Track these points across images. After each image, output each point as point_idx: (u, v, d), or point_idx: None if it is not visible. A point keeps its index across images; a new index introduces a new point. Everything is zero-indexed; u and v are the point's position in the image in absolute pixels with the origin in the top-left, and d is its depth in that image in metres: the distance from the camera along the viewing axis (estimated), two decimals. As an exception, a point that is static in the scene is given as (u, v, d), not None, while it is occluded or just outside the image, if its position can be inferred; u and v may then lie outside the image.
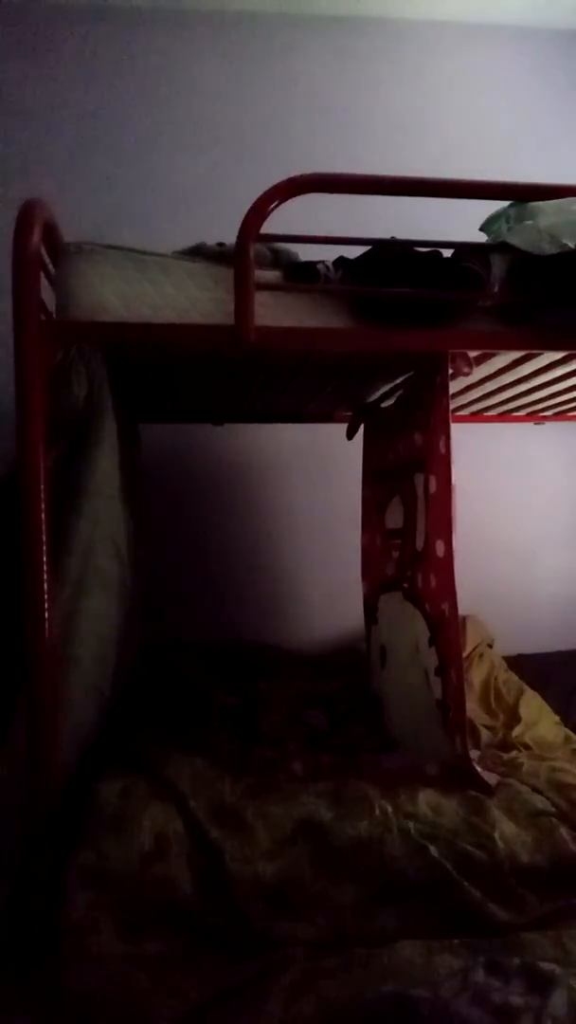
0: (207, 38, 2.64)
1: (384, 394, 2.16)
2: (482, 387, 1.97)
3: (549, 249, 1.40)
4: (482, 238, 1.59)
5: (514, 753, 1.83)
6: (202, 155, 2.59)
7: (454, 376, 1.62)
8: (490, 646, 2.52)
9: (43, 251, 1.34)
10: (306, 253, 1.52)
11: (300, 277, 1.46)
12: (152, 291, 1.38)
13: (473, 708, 2.05)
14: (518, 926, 1.25)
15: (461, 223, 1.60)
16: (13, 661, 1.34)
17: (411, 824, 1.38)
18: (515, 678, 2.29)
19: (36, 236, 1.29)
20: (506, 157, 2.22)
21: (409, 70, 2.76)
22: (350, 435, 2.33)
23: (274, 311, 1.41)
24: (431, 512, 1.70)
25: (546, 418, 2.49)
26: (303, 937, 1.22)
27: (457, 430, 1.59)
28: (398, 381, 1.99)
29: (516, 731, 1.96)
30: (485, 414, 2.43)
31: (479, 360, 1.65)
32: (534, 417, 2.48)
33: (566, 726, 2.02)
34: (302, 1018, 1.06)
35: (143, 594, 1.94)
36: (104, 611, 1.47)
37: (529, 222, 1.44)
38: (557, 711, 2.10)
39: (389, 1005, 1.03)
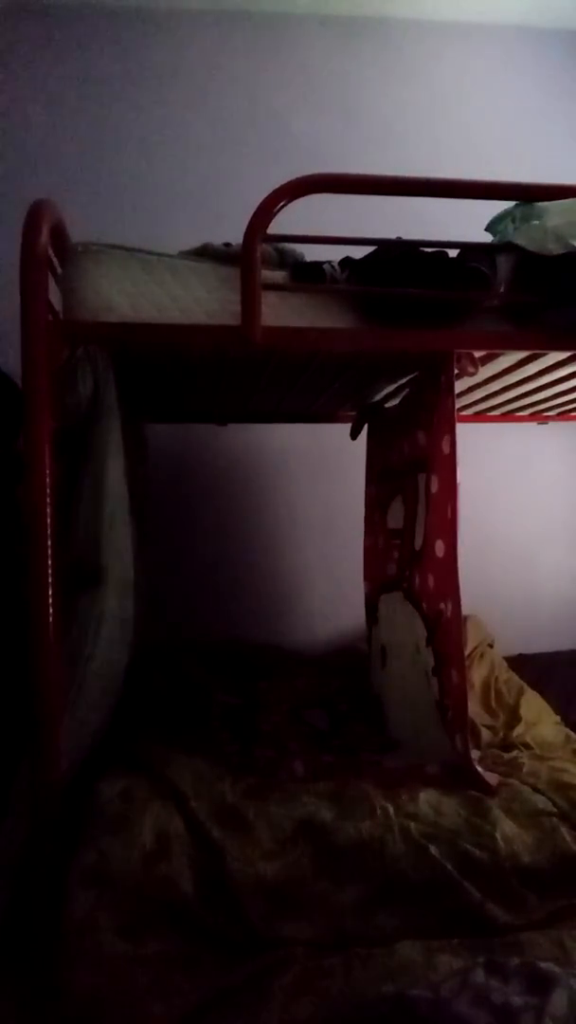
0: (210, 38, 2.64)
1: (389, 394, 2.16)
2: (487, 387, 1.97)
3: (555, 249, 1.40)
4: (488, 238, 1.59)
5: (515, 753, 1.83)
6: (207, 155, 2.59)
7: (459, 376, 1.62)
8: (491, 646, 2.52)
9: (51, 251, 1.34)
10: (312, 253, 1.52)
11: (306, 277, 1.46)
12: (158, 291, 1.38)
13: (474, 708, 2.06)
14: (518, 926, 1.25)
15: (467, 223, 1.59)
16: (18, 665, 1.34)
17: (412, 824, 1.38)
18: (516, 678, 2.29)
19: (44, 236, 1.29)
20: (510, 157, 2.22)
21: (412, 70, 2.76)
22: (354, 435, 2.33)
23: (280, 311, 1.41)
24: (432, 512, 1.70)
25: (549, 418, 2.48)
26: (303, 937, 1.21)
27: (460, 429, 1.59)
28: (403, 381, 1.99)
29: (517, 731, 1.97)
30: (488, 414, 2.42)
31: (484, 360, 1.65)
32: (537, 417, 2.47)
33: (566, 726, 2.02)
34: (302, 1018, 1.06)
35: (147, 594, 1.94)
36: (115, 611, 1.47)
37: (535, 222, 1.44)
38: (557, 711, 2.10)
39: (389, 1005, 1.03)
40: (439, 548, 1.64)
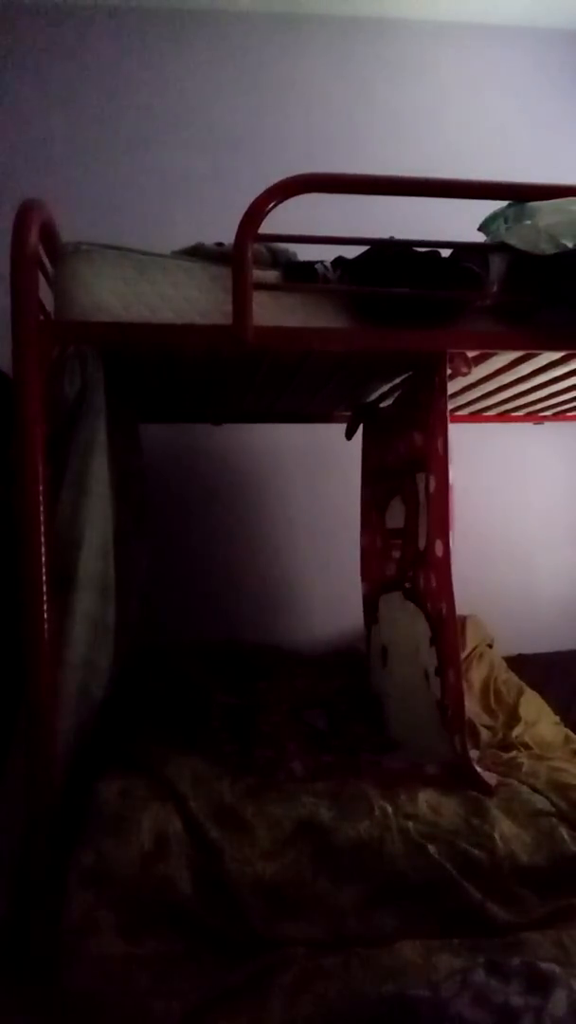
0: (206, 38, 2.65)
1: (383, 394, 2.16)
2: (481, 387, 1.97)
3: (547, 249, 1.40)
4: (480, 238, 1.59)
5: (514, 753, 1.83)
6: (200, 155, 2.59)
7: (452, 376, 1.62)
8: (490, 646, 2.52)
9: (41, 251, 1.34)
10: (304, 253, 1.52)
11: (298, 277, 1.47)
12: (150, 291, 1.38)
13: (473, 708, 2.05)
14: (518, 926, 1.25)
15: (459, 223, 1.59)
16: (12, 665, 1.34)
17: (411, 824, 1.38)
18: (515, 678, 2.29)
19: (34, 236, 1.29)
20: (504, 157, 2.22)
21: (409, 70, 2.77)
22: (349, 435, 2.33)
23: (272, 311, 1.41)
24: (431, 512, 1.70)
25: (545, 418, 2.49)
26: (303, 937, 1.22)
27: (456, 430, 1.59)
28: (397, 381, 1.99)
29: (516, 731, 1.96)
30: (484, 414, 2.43)
31: (477, 360, 1.65)
32: (533, 417, 2.48)
33: (566, 726, 2.02)
34: (302, 1018, 1.06)
35: (140, 594, 1.93)
36: (93, 612, 1.47)
37: (528, 222, 1.44)
38: (557, 711, 2.10)
39: (389, 1005, 1.03)
40: (438, 548, 1.64)
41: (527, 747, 1.88)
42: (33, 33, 2.55)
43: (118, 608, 1.56)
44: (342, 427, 2.35)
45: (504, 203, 1.54)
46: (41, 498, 1.31)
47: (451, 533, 1.57)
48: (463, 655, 2.26)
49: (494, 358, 1.65)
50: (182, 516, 2.60)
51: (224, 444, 2.61)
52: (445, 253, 1.51)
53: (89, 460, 1.42)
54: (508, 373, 1.78)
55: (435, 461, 1.64)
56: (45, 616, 1.31)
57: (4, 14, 2.52)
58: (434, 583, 1.69)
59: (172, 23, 2.62)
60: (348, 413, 2.37)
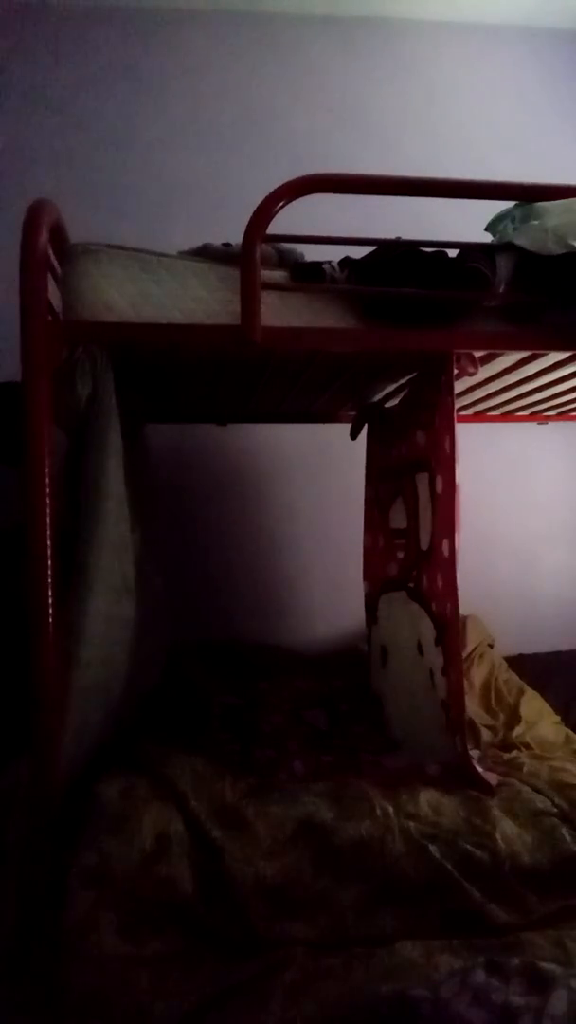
0: (210, 38, 2.64)
1: (389, 394, 2.16)
2: (486, 387, 1.96)
3: (555, 249, 1.40)
4: (487, 238, 1.59)
5: (515, 753, 1.83)
6: (206, 155, 2.58)
7: (459, 376, 1.62)
8: (491, 646, 2.52)
9: (50, 252, 1.34)
10: (312, 253, 1.52)
11: (306, 277, 1.46)
12: (158, 291, 1.37)
13: (474, 708, 2.06)
14: (518, 926, 1.26)
15: (466, 223, 1.59)
16: (19, 667, 1.34)
17: (412, 824, 1.38)
18: (516, 678, 2.29)
19: (43, 237, 1.29)
20: (510, 157, 2.22)
21: (412, 70, 2.76)
22: (354, 435, 2.32)
23: (280, 311, 1.41)
24: (438, 512, 1.70)
25: (549, 418, 2.48)
26: (303, 937, 1.22)
27: (460, 429, 1.59)
28: (402, 381, 1.99)
29: (517, 731, 1.96)
30: (488, 414, 2.42)
31: (484, 360, 1.64)
32: (537, 417, 2.47)
33: (566, 726, 2.02)
34: (302, 1018, 1.06)
35: (163, 594, 1.93)
36: (110, 611, 1.47)
37: (535, 222, 1.44)
38: (557, 711, 2.10)
39: (389, 1005, 1.03)
40: (445, 548, 1.63)
41: (528, 747, 1.88)
42: (34, 34, 2.54)
43: (139, 609, 1.56)
44: (346, 427, 2.34)
45: (510, 203, 1.54)
46: (48, 499, 1.30)
47: (458, 533, 1.57)
48: (463, 655, 2.26)
49: (500, 358, 1.65)
50: (186, 515, 2.60)
51: (229, 444, 2.60)
52: (452, 253, 1.50)
53: (103, 460, 1.42)
54: (514, 373, 1.78)
55: (442, 461, 1.64)
56: (50, 614, 1.31)
57: (4, 14, 2.51)
58: (439, 583, 1.68)
59: (176, 23, 2.61)
60: (353, 413, 2.37)
